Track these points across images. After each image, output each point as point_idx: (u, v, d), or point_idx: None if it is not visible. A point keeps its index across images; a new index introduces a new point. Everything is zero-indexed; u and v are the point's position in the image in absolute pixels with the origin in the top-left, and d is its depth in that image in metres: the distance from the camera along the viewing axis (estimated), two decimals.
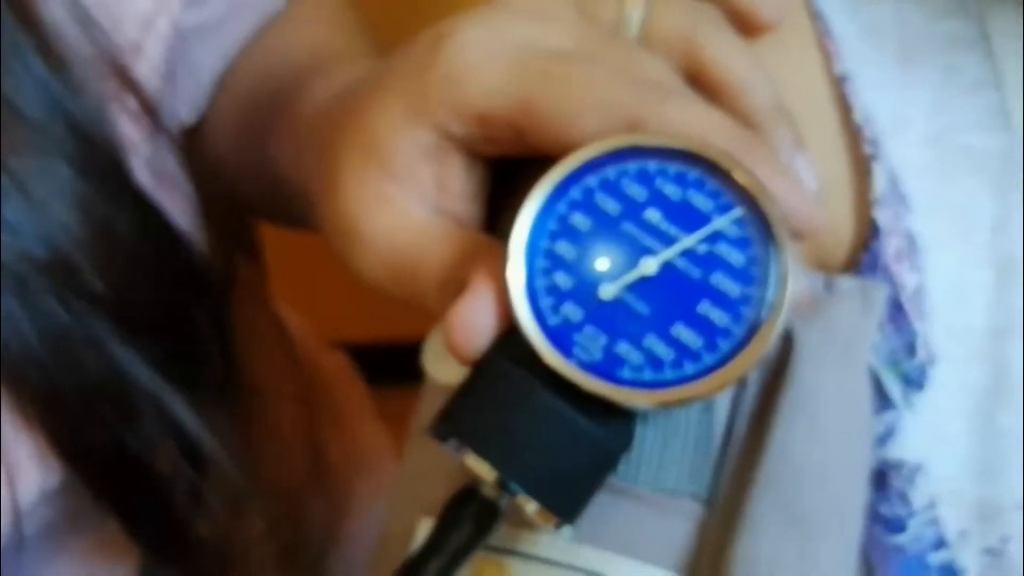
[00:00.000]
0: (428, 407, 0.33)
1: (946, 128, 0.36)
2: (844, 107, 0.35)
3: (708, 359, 0.26)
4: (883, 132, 0.35)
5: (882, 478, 0.37)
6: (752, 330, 0.26)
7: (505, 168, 0.31)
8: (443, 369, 0.31)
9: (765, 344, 0.26)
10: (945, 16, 0.37)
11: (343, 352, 0.67)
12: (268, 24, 0.50)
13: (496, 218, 0.31)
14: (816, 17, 0.35)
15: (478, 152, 0.30)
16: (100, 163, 0.38)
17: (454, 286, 0.28)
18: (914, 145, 0.36)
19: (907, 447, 0.37)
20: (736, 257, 0.27)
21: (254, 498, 0.51)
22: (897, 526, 0.38)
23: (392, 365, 0.51)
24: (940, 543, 0.38)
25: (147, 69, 0.42)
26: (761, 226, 0.27)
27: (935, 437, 0.37)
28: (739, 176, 0.27)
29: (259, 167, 0.47)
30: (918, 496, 0.37)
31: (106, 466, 0.39)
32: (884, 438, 0.37)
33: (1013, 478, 0.37)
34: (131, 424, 0.39)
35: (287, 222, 0.53)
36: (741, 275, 0.26)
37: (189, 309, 0.41)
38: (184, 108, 0.49)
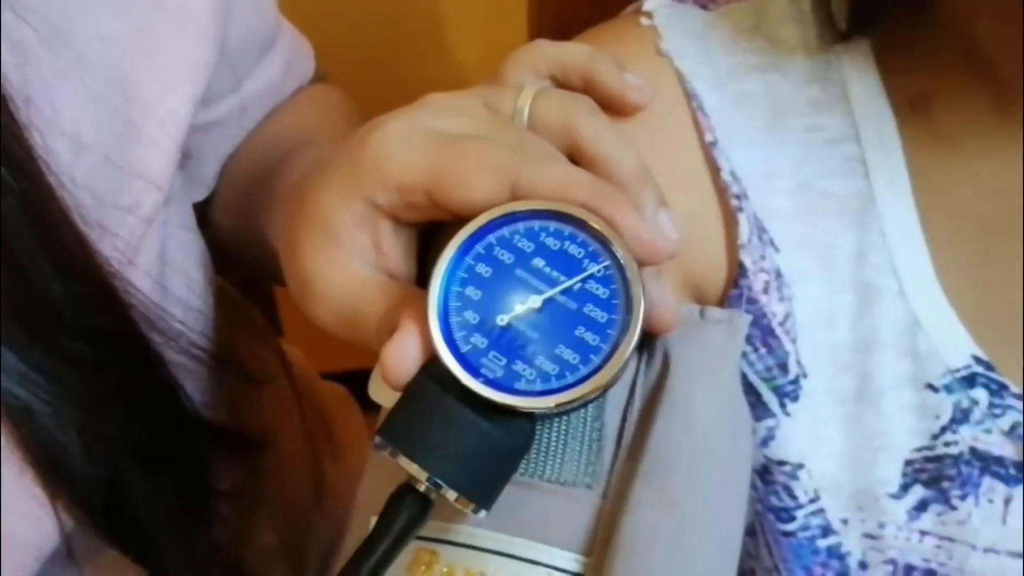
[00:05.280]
0: None
1: (811, 178, 0.42)
2: (714, 169, 0.41)
3: (584, 370, 0.33)
4: (751, 187, 0.41)
5: (769, 474, 0.43)
6: (616, 345, 0.33)
7: (431, 232, 0.38)
8: (384, 395, 0.36)
9: (625, 354, 0.33)
10: (809, 83, 0.42)
11: (339, 381, 0.73)
12: (272, 112, 0.57)
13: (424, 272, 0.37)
14: (690, 96, 0.41)
15: (402, 218, 0.36)
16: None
17: (388, 328, 0.34)
18: (784, 194, 0.42)
19: (788, 448, 0.42)
20: (602, 291, 0.33)
21: (260, 514, 0.56)
22: (786, 516, 0.43)
23: None
24: (827, 530, 0.43)
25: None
26: (619, 266, 0.33)
27: (813, 439, 0.42)
28: (595, 224, 0.33)
29: (252, 235, 0.53)
30: (802, 490, 0.42)
31: (103, 506, 0.43)
32: (767, 440, 0.42)
33: (883, 471, 0.42)
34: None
35: (278, 282, 0.57)
36: (606, 305, 0.33)
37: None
38: (197, 189, 0.55)
